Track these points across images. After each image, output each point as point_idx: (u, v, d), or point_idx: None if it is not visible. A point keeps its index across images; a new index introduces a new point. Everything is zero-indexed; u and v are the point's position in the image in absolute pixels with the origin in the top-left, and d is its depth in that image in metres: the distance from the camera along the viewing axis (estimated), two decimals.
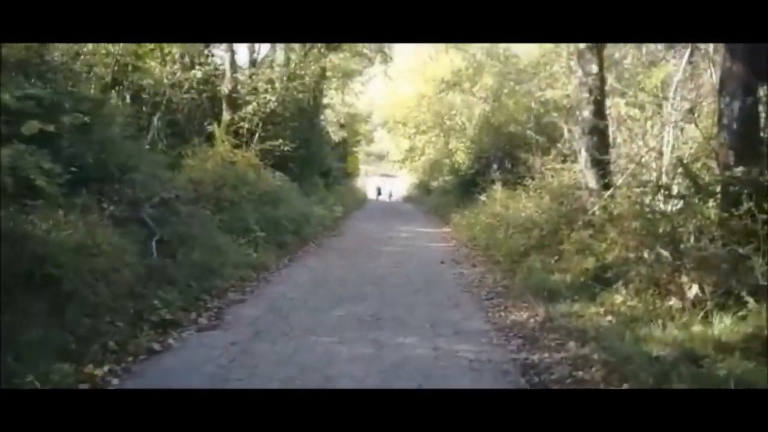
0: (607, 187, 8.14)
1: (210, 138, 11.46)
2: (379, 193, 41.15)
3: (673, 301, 5.24)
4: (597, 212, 7.72)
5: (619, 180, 8.69)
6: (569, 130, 12.12)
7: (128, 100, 10.32)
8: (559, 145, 11.89)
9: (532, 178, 11.22)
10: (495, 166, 17.48)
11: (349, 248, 10.79)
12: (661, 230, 5.75)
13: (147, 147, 9.57)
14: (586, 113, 8.90)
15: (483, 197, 13.61)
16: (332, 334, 4.91)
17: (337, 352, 4.43)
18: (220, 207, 8.27)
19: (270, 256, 8.10)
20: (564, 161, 10.95)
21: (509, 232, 9.89)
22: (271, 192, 9.88)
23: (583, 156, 8.93)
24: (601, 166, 8.56)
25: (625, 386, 3.70)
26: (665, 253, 5.56)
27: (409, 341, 4.80)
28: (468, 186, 17.16)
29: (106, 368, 3.67)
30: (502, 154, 17.12)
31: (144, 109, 10.97)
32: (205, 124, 12.32)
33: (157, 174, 6.99)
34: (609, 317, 5.31)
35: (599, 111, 8.70)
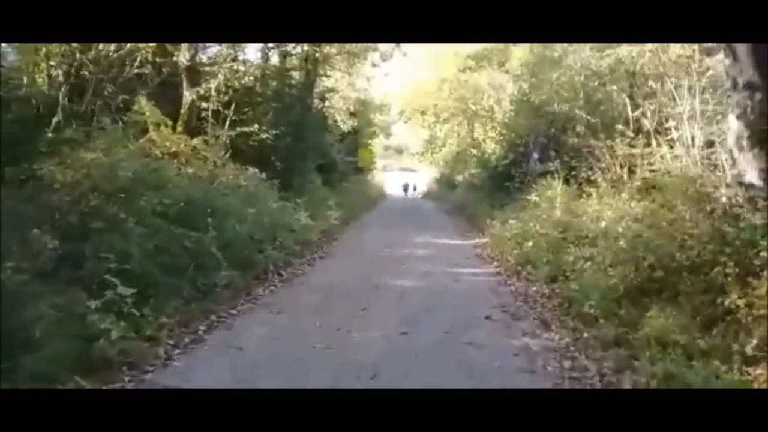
0: None
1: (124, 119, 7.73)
2: (405, 190, 38.56)
3: None
4: None
5: None
6: (635, 104, 9.21)
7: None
8: (619, 126, 9.16)
9: (603, 170, 8.71)
10: (535, 155, 14.05)
11: (335, 285, 6.76)
12: None
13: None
14: (741, 50, 5.02)
15: (533, 197, 9.69)
16: None
17: None
18: (85, 233, 4.55)
19: (157, 332, 4.11)
20: (631, 145, 8.57)
21: (591, 257, 6.01)
22: (201, 199, 5.97)
23: (735, 129, 5.09)
24: None
25: None
26: None
27: None
28: (501, 180, 14.32)
29: None
30: (546, 139, 13.58)
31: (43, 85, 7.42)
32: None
33: None
34: None
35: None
